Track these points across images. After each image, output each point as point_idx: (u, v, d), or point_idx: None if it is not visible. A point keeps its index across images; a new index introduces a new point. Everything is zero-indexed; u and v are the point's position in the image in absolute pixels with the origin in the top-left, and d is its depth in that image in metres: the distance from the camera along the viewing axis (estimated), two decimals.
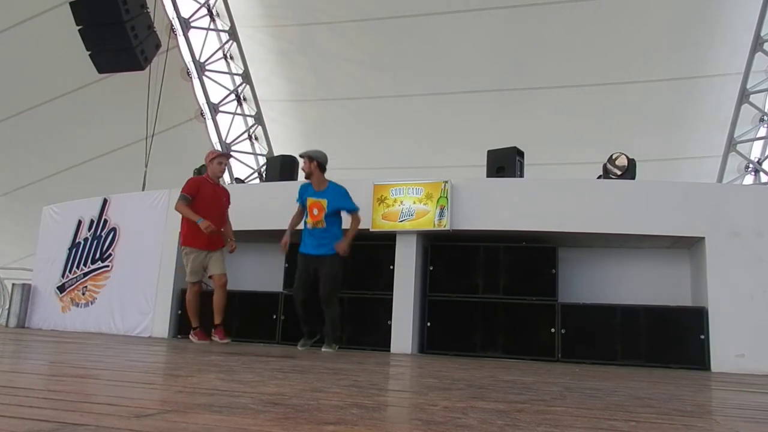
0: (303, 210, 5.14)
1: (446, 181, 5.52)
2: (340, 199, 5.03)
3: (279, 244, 5.15)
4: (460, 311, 5.44)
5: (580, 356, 5.09)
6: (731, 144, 10.40)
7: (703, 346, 4.87)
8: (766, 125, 10.25)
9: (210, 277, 5.44)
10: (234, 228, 5.64)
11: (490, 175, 5.94)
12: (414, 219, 5.56)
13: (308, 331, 5.08)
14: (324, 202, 4.98)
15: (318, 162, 5.06)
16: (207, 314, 5.38)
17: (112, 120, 10.60)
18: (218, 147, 12.19)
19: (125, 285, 6.56)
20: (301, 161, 5.17)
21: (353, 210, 5.04)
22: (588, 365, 4.76)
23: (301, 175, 6.80)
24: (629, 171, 5.59)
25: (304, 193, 5.15)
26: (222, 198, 5.56)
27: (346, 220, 5.14)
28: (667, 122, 10.65)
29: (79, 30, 7.38)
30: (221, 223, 5.43)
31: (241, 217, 5.83)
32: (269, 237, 6.22)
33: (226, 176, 7.83)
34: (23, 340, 4.63)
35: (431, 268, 5.62)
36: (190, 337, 5.44)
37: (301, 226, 5.18)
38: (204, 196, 5.38)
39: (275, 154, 11.20)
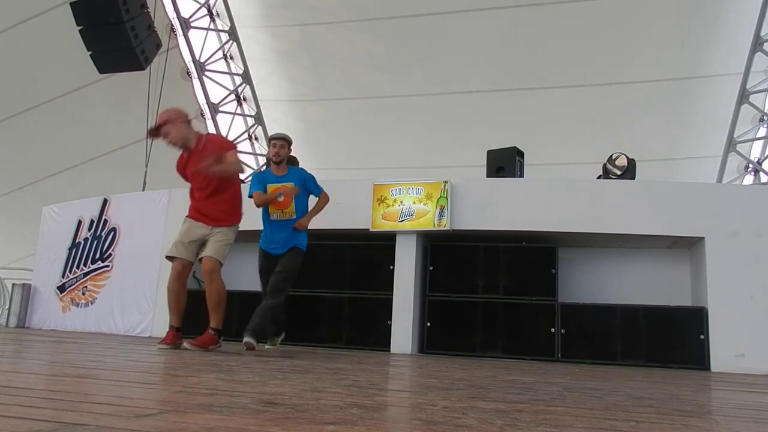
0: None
1: (446, 181, 5.52)
2: (308, 183, 4.64)
3: None
4: (460, 311, 5.44)
5: (580, 356, 5.09)
6: (731, 144, 10.41)
7: (703, 346, 4.87)
8: (765, 125, 10.26)
9: (200, 260, 4.30)
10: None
11: (490, 175, 5.94)
12: (414, 219, 5.56)
13: (276, 329, 4.87)
14: (290, 185, 4.53)
15: (290, 146, 4.66)
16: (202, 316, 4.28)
17: (112, 120, 10.60)
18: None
19: (125, 285, 6.56)
20: (272, 147, 4.58)
21: (320, 192, 4.66)
22: (588, 365, 4.76)
23: None
24: (629, 171, 5.60)
25: (263, 180, 4.60)
26: (204, 154, 4.22)
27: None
28: (666, 122, 10.66)
29: (80, 30, 7.39)
30: (211, 180, 4.26)
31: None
32: None
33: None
34: (23, 340, 4.62)
35: (431, 268, 5.62)
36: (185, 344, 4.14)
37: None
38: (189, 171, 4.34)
39: None
